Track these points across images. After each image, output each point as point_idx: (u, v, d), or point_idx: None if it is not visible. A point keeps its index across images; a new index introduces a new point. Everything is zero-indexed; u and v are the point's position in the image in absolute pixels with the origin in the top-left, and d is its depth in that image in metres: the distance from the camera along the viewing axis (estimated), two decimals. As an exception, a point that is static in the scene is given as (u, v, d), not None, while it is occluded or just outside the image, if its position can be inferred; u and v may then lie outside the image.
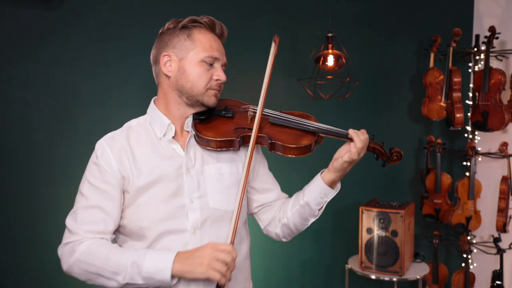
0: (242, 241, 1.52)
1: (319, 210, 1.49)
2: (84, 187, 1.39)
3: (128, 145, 1.41)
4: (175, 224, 1.38)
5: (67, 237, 1.36)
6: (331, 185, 1.45)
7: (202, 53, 1.39)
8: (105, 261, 1.28)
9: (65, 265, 1.34)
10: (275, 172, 1.66)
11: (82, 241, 1.32)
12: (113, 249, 1.31)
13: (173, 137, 1.43)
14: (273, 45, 1.47)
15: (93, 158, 1.42)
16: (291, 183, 1.80)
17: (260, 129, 1.43)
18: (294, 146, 1.41)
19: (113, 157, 1.38)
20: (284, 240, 1.60)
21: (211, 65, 1.41)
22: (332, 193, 1.46)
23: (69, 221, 1.37)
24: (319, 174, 1.47)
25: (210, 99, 1.42)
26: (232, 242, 1.30)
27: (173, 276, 1.27)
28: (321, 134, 1.45)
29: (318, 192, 1.45)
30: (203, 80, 1.40)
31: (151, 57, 1.47)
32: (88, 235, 1.33)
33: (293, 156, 1.42)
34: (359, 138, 1.41)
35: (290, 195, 1.59)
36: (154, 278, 1.26)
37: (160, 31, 1.46)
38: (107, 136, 1.44)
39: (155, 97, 1.49)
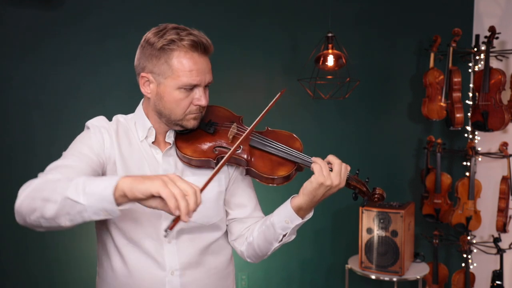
0: (223, 248, 1.50)
1: (283, 236, 1.39)
2: (69, 150, 1.33)
3: (117, 136, 1.38)
4: (150, 232, 1.36)
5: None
6: (298, 211, 1.35)
7: (180, 80, 1.29)
8: (55, 184, 1.10)
9: (18, 200, 1.16)
10: (262, 189, 1.60)
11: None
12: (69, 177, 1.13)
13: (154, 143, 1.40)
14: (278, 95, 1.42)
15: (85, 131, 1.39)
16: (276, 201, 1.76)
17: (239, 150, 1.37)
18: (269, 176, 1.34)
19: (107, 135, 1.36)
20: (249, 260, 1.51)
21: (191, 89, 1.32)
22: (297, 221, 1.35)
23: (44, 171, 1.26)
24: (290, 198, 1.39)
25: (189, 123, 1.36)
26: (201, 190, 1.11)
27: (120, 197, 1.03)
28: (300, 164, 1.37)
29: (284, 215, 1.36)
30: (181, 107, 1.33)
31: (135, 65, 1.40)
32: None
33: (270, 185, 1.36)
34: (320, 171, 1.30)
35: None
36: (96, 192, 1.03)
37: (142, 39, 1.37)
38: (100, 118, 1.42)
39: (143, 99, 1.45)
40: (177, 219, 1.04)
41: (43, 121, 2.73)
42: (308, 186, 1.31)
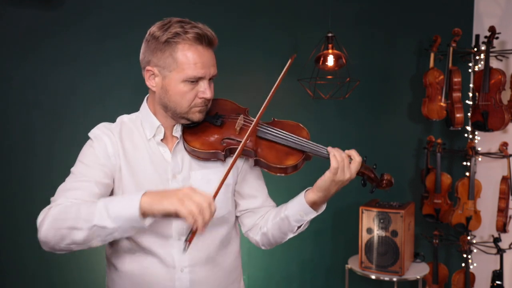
0: (231, 241, 1.51)
1: (298, 227, 1.43)
2: (76, 167, 1.36)
3: (120, 139, 1.40)
4: (160, 229, 1.37)
5: (49, 205, 1.27)
6: (313, 205, 1.38)
7: (185, 73, 1.31)
8: (77, 212, 1.18)
9: (41, 229, 1.21)
10: (271, 177, 1.62)
11: (60, 203, 1.24)
12: (86, 202, 1.23)
13: (162, 140, 1.41)
14: (289, 62, 1.46)
15: (88, 143, 1.40)
16: (289, 190, 1.77)
17: (247, 142, 1.38)
18: (278, 166, 1.36)
19: (110, 143, 1.37)
20: (263, 247, 1.55)
21: (196, 82, 1.33)
22: (312, 214, 1.40)
23: (55, 193, 1.32)
24: (304, 191, 1.42)
25: (194, 116, 1.37)
26: (214, 197, 1.21)
27: (143, 214, 1.14)
28: (308, 153, 1.39)
29: (298, 209, 1.40)
30: (186, 100, 1.34)
31: (140, 59, 1.41)
32: (70, 200, 1.25)
33: (279, 175, 1.38)
34: (335, 158, 1.34)
35: (287, 201, 1.53)
36: (122, 215, 1.15)
37: (146, 34, 1.38)
38: (101, 125, 1.43)
39: (148, 95, 1.46)
40: (194, 232, 1.15)
41: (43, 121, 2.73)
42: (322, 184, 1.35)
